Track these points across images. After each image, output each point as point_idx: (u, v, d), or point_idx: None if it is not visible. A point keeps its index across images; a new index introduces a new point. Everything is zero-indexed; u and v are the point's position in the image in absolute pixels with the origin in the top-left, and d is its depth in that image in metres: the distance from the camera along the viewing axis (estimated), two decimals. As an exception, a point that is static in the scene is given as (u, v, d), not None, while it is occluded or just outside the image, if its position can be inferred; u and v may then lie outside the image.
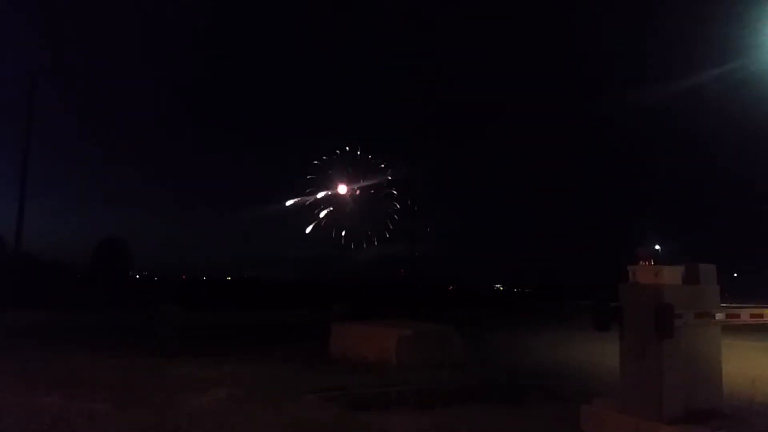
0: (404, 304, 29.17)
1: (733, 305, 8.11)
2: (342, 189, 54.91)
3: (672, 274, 5.78)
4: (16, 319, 13.53)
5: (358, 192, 55.55)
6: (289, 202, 54.54)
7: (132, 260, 59.73)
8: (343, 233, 56.23)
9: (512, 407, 7.30)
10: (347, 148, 56.44)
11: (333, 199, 55.27)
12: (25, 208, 23.87)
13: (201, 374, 8.82)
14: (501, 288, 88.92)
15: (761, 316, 6.26)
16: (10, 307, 15.20)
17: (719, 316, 5.86)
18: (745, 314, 6.25)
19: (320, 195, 54.61)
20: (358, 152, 57.12)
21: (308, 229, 54.75)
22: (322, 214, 54.76)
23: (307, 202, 54.40)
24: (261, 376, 8.84)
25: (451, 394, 7.82)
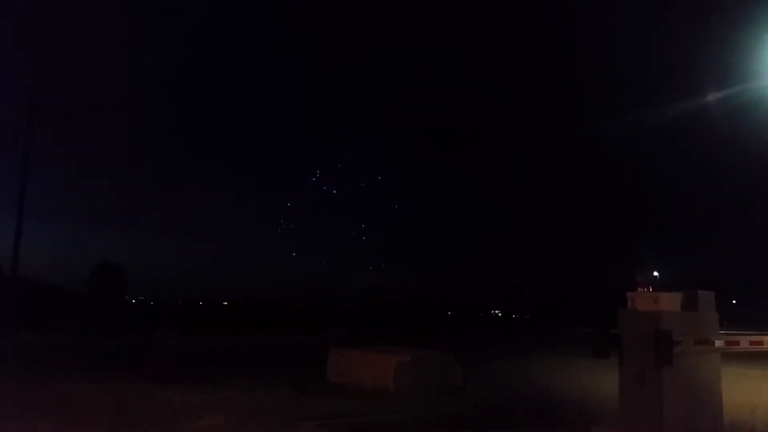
0: (403, 329, 28.95)
1: (732, 332, 8.08)
2: None
3: (671, 301, 5.78)
4: (12, 342, 13.44)
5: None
6: None
7: (129, 285, 59.25)
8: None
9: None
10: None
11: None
12: (22, 231, 23.89)
13: (197, 400, 8.72)
14: (499, 314, 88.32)
15: (761, 343, 6.24)
16: (7, 330, 15.10)
17: (718, 342, 5.85)
18: (745, 341, 6.23)
19: None
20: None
21: None
22: None
23: None
24: (257, 402, 8.74)
25: (449, 422, 7.73)
